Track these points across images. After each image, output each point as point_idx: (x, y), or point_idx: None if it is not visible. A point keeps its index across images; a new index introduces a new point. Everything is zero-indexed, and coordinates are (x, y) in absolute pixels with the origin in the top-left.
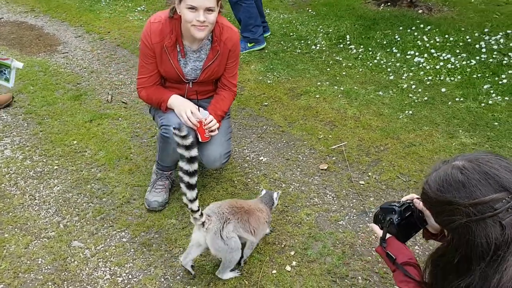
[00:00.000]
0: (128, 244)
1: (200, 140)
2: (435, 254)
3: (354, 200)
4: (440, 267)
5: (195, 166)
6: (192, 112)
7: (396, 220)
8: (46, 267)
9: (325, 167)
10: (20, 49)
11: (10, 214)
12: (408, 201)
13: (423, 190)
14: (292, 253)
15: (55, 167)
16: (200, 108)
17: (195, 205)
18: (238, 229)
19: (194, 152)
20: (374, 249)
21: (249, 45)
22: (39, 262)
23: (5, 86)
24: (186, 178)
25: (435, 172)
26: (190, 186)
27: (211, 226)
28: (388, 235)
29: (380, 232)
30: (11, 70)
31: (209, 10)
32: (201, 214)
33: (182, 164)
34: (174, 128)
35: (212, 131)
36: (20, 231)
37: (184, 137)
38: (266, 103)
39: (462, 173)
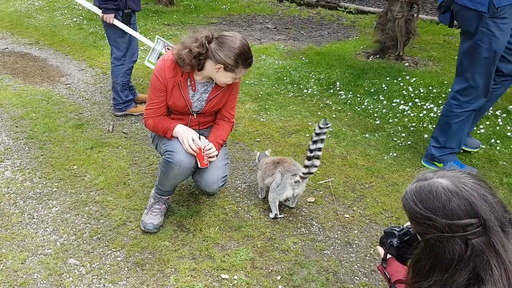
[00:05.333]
0: (123, 263)
1: (199, 166)
2: (413, 260)
3: (339, 232)
4: (416, 271)
5: (322, 145)
6: (193, 140)
7: (396, 243)
8: (41, 282)
9: (313, 200)
10: (23, 78)
11: (8, 231)
12: (408, 226)
13: (405, 199)
14: (278, 277)
15: (55, 189)
16: (201, 136)
17: (315, 170)
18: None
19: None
20: (356, 277)
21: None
22: (35, 276)
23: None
24: (319, 153)
25: (419, 183)
26: (318, 158)
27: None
28: (389, 256)
29: (382, 253)
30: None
31: None
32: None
33: (320, 145)
34: (322, 122)
35: (211, 157)
36: (17, 247)
37: (328, 127)
38: (258, 139)
39: (445, 195)
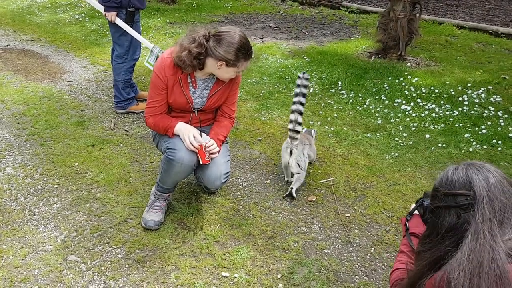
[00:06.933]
0: (123, 260)
1: (201, 162)
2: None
3: (339, 231)
4: (420, 239)
5: (304, 100)
6: (194, 137)
7: (426, 203)
8: (42, 278)
9: (313, 199)
10: (25, 75)
11: (9, 227)
12: None
13: None
14: (279, 276)
15: (56, 186)
16: (202, 133)
17: (300, 128)
18: (308, 153)
19: (306, 90)
20: (356, 276)
21: None
22: (36, 273)
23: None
24: (301, 108)
25: (451, 166)
26: (301, 113)
27: (299, 147)
28: (416, 212)
29: (412, 207)
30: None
31: None
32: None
33: (301, 98)
34: (300, 73)
35: (212, 154)
36: (18, 244)
37: (307, 79)
38: (260, 138)
39: (454, 170)
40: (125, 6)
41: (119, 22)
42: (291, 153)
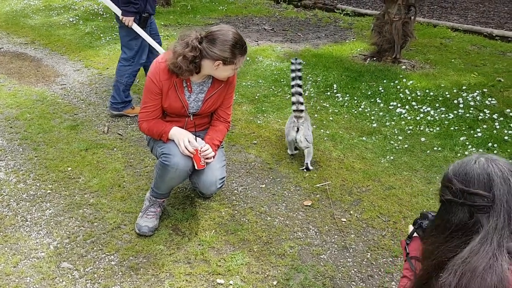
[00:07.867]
0: (117, 267)
1: (196, 167)
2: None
3: (335, 236)
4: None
5: (301, 82)
6: (189, 141)
7: (425, 225)
8: (34, 286)
9: (309, 204)
10: (18, 78)
11: (1, 233)
12: None
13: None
14: (275, 282)
15: (48, 191)
16: (197, 138)
17: (303, 106)
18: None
19: (301, 73)
20: (353, 282)
21: None
22: (28, 280)
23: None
24: (299, 89)
25: (468, 157)
26: (300, 94)
27: (304, 123)
28: (415, 235)
29: (411, 230)
30: None
31: None
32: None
33: (298, 81)
34: (293, 59)
35: (207, 158)
36: (10, 250)
37: (300, 63)
38: (255, 141)
39: (473, 165)
40: (141, 11)
41: (136, 28)
42: (297, 130)
